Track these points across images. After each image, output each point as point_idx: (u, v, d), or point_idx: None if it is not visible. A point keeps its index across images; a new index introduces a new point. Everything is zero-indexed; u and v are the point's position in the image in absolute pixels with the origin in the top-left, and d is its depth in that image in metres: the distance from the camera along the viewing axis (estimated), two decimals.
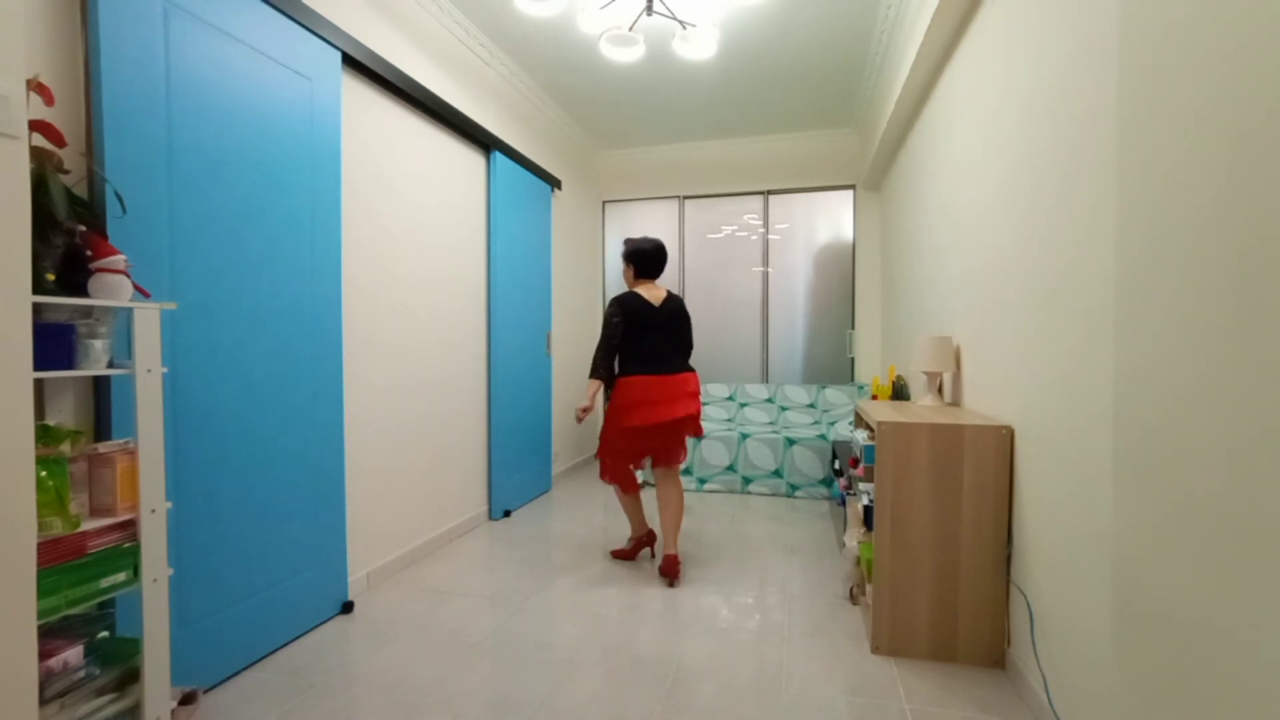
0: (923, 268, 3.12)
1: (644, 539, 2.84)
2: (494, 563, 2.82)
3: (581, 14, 2.57)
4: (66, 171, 1.34)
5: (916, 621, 1.94)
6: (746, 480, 4.17)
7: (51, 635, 1.26)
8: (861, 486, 2.32)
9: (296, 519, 2.10)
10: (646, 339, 2.69)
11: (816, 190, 4.88)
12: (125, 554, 1.33)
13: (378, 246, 2.59)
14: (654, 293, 2.75)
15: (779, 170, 4.89)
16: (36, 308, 1.17)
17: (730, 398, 4.85)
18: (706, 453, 4.23)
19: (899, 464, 1.93)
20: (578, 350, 4.77)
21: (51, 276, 1.26)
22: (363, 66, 2.43)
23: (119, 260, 1.34)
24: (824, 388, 4.72)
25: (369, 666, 1.91)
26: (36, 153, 1.24)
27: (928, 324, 2.98)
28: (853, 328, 4.83)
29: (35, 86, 1.25)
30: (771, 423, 4.64)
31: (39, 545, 1.14)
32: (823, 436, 4.17)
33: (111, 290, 1.32)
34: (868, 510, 2.15)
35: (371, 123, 2.56)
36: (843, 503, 3.02)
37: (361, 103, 2.49)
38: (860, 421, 2.62)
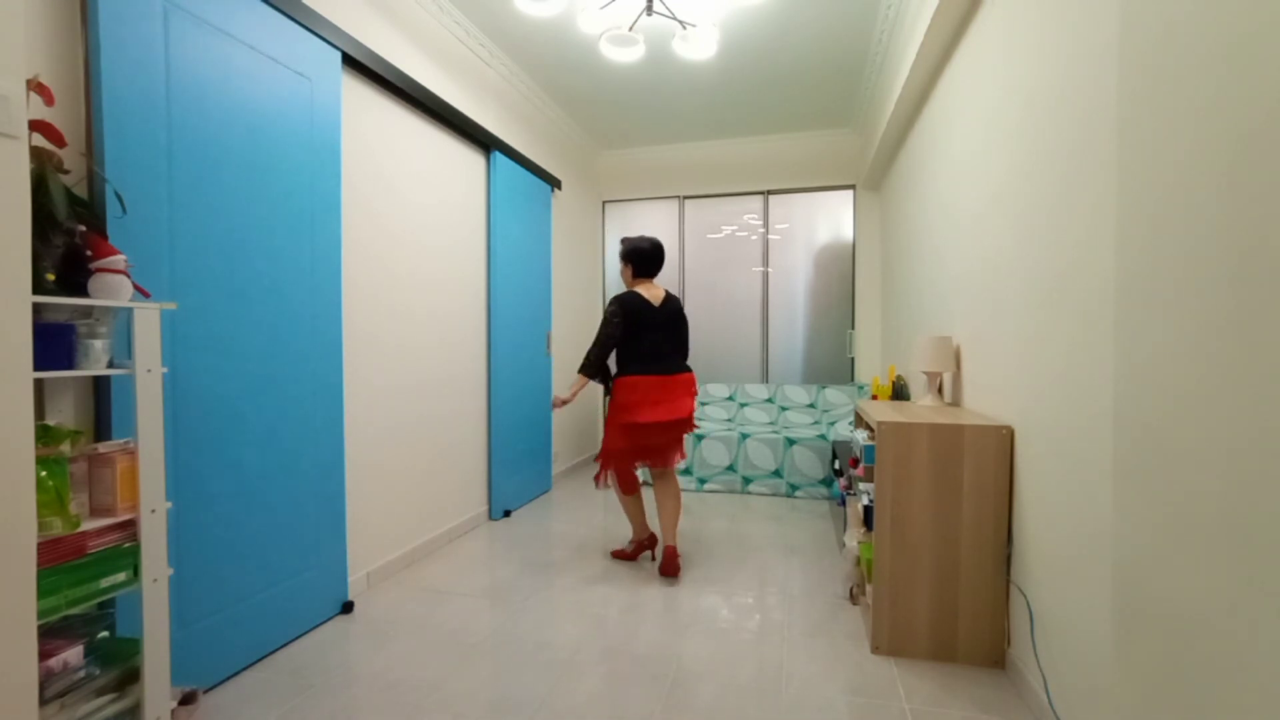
0: (923, 268, 3.12)
1: (645, 542, 2.84)
2: (494, 563, 2.82)
3: (581, 14, 2.57)
4: (66, 171, 1.34)
5: (916, 621, 1.94)
6: (746, 480, 4.17)
7: (51, 635, 1.26)
8: (861, 486, 2.32)
9: (296, 519, 2.10)
10: (647, 339, 2.70)
11: (816, 190, 4.88)
12: (125, 554, 1.33)
13: (378, 246, 2.59)
14: (653, 292, 2.77)
15: (779, 170, 4.89)
16: (36, 308, 1.17)
17: (730, 398, 4.85)
18: (706, 453, 4.23)
19: (899, 464, 1.93)
20: (578, 350, 4.76)
21: (51, 276, 1.26)
22: (363, 66, 2.43)
23: (119, 260, 1.34)
24: (824, 388, 4.72)
25: (369, 666, 1.91)
26: (36, 153, 1.24)
27: (928, 324, 2.98)
28: (853, 328, 4.83)
29: (35, 86, 1.25)
30: (771, 423, 4.64)
31: (39, 545, 1.14)
32: (823, 436, 4.17)
33: (111, 290, 1.32)
34: (868, 510, 2.15)
35: (371, 123, 2.56)
36: (843, 503, 3.02)
37: (361, 103, 2.49)
38: (860, 421, 2.62)
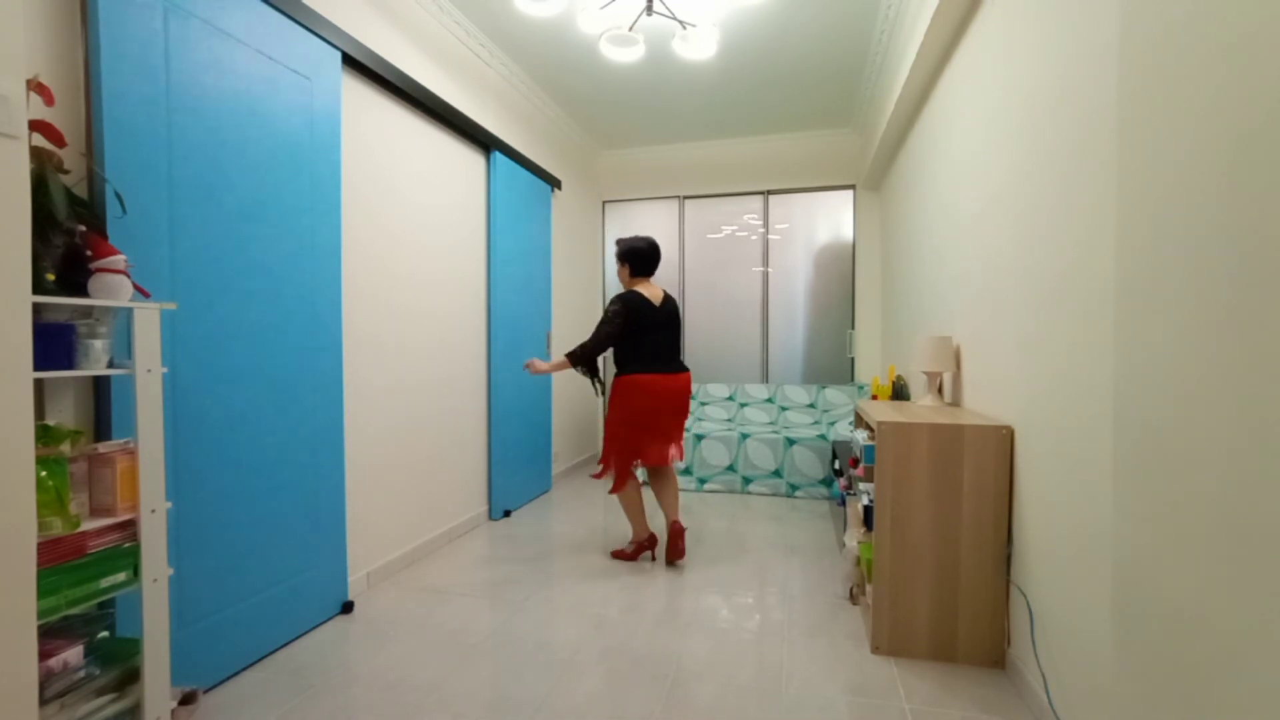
0: (923, 268, 3.12)
1: (645, 543, 2.84)
2: (494, 563, 2.82)
3: (581, 14, 2.57)
4: (66, 171, 1.34)
5: (916, 621, 1.94)
6: (746, 480, 4.17)
7: (51, 635, 1.26)
8: (861, 486, 2.32)
9: (296, 519, 2.10)
10: (648, 338, 2.74)
11: (816, 190, 4.88)
12: (125, 554, 1.33)
13: (378, 246, 2.59)
14: (653, 291, 2.82)
15: (779, 170, 4.89)
16: (36, 308, 1.17)
17: (730, 398, 4.85)
18: (706, 453, 4.23)
19: (899, 464, 1.93)
20: None
21: (51, 276, 1.26)
22: (363, 66, 2.43)
23: (119, 260, 1.34)
24: (824, 388, 4.72)
25: (369, 666, 1.91)
26: (36, 153, 1.24)
27: (928, 324, 2.98)
28: (853, 328, 4.83)
29: (35, 86, 1.25)
30: (771, 423, 4.64)
31: (39, 545, 1.14)
32: (823, 436, 4.17)
33: (111, 290, 1.32)
34: (868, 510, 2.15)
35: (371, 123, 2.56)
36: (843, 503, 3.02)
37: (361, 103, 2.49)
38: (860, 421, 2.62)
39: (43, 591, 1.16)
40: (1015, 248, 1.82)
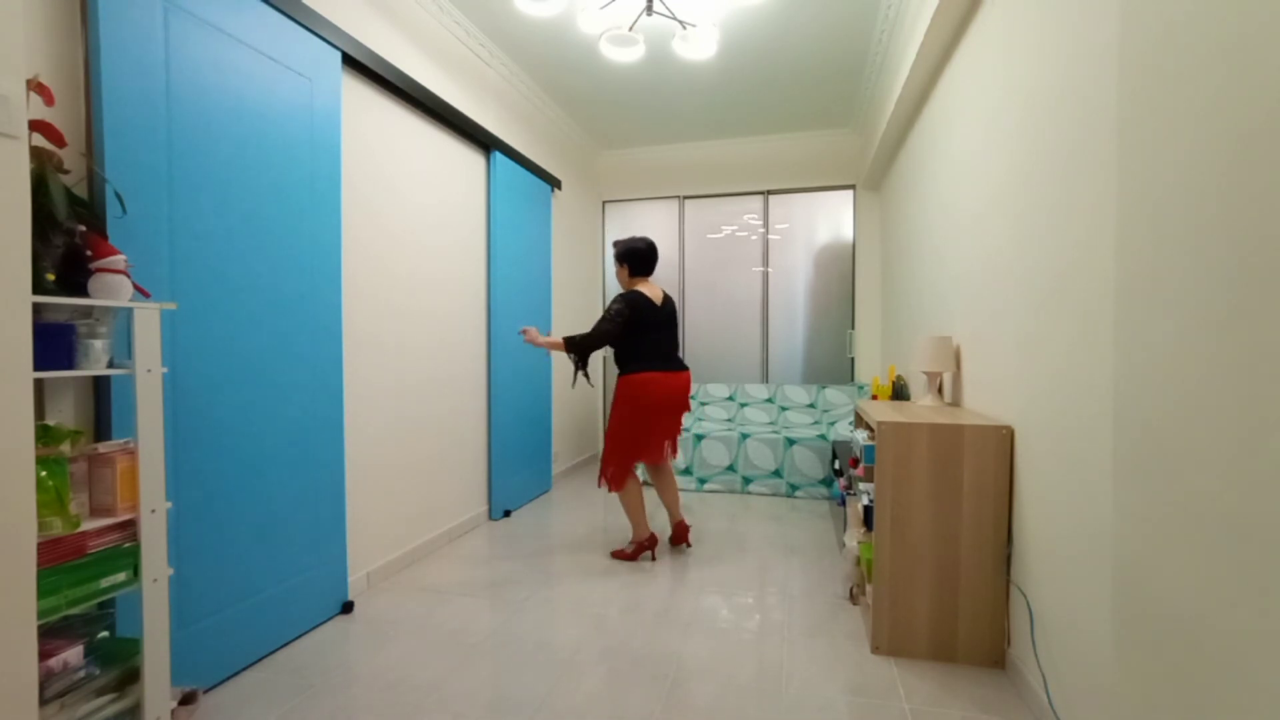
0: (923, 268, 3.12)
1: (645, 543, 2.84)
2: (494, 563, 2.82)
3: (581, 14, 2.57)
4: (66, 171, 1.34)
5: (916, 621, 1.94)
6: (746, 480, 4.17)
7: (51, 635, 1.26)
8: (861, 486, 2.32)
9: (296, 519, 2.10)
10: (650, 337, 2.78)
11: (816, 190, 4.88)
12: (125, 554, 1.33)
13: (378, 246, 2.59)
14: (653, 291, 2.86)
15: (779, 170, 4.90)
16: (36, 308, 1.17)
17: (730, 398, 4.85)
18: (706, 453, 4.23)
19: (899, 464, 1.93)
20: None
21: (51, 276, 1.26)
22: (363, 66, 2.43)
23: (119, 260, 1.34)
24: (824, 388, 4.72)
25: (369, 666, 1.91)
26: (36, 153, 1.24)
27: (928, 324, 2.98)
28: (853, 328, 4.83)
29: (35, 86, 1.25)
30: (771, 423, 4.64)
31: (39, 545, 1.14)
32: (823, 436, 4.17)
33: (111, 290, 1.32)
34: (868, 510, 2.15)
35: (371, 123, 2.56)
36: (843, 503, 3.02)
37: (361, 103, 2.49)
38: (860, 421, 2.62)
39: (43, 591, 1.16)
40: (1015, 248, 1.82)
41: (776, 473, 4.11)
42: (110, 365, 1.35)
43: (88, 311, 1.33)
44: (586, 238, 5.08)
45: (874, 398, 3.28)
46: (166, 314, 1.62)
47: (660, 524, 3.21)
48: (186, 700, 1.51)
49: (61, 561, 1.21)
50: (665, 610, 2.32)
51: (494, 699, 1.74)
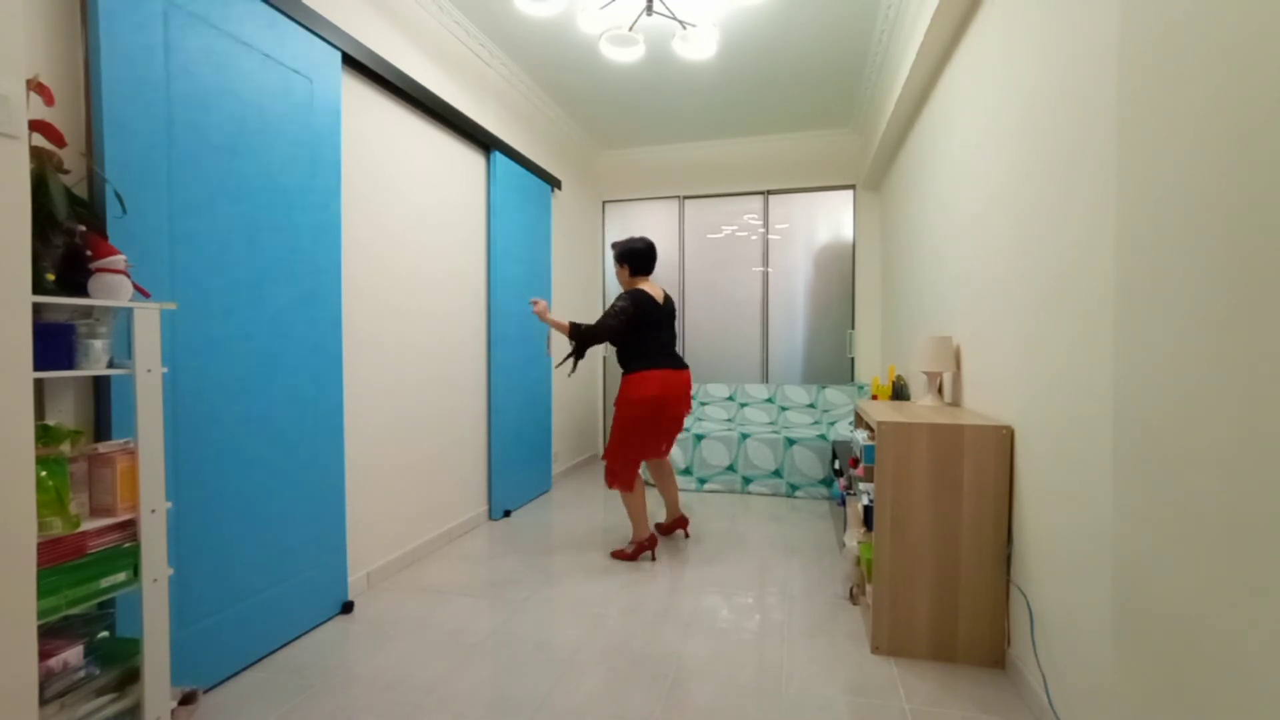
0: (923, 268, 3.12)
1: (645, 543, 2.85)
2: (494, 563, 2.82)
3: (581, 14, 2.57)
4: (66, 171, 1.34)
5: (916, 621, 1.94)
6: (746, 480, 4.17)
7: (51, 635, 1.26)
8: (861, 486, 2.32)
9: (297, 519, 2.10)
10: (654, 335, 2.82)
11: (816, 190, 4.88)
12: (125, 554, 1.33)
13: (378, 246, 2.59)
14: (655, 290, 2.89)
15: (779, 170, 4.89)
16: (36, 308, 1.17)
17: (730, 398, 4.85)
18: (706, 453, 4.23)
19: (899, 464, 1.93)
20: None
21: (51, 276, 1.26)
22: (363, 66, 2.43)
23: (119, 260, 1.34)
24: (824, 388, 4.72)
25: (369, 666, 1.91)
26: (36, 153, 1.24)
27: (928, 324, 2.98)
28: (853, 328, 4.83)
29: (35, 86, 1.25)
30: (771, 423, 4.64)
31: (39, 545, 1.14)
32: (823, 436, 4.17)
33: (111, 290, 1.32)
34: (868, 510, 2.15)
35: (371, 123, 2.56)
36: (843, 503, 3.02)
37: (361, 103, 2.49)
38: (860, 421, 2.62)
39: (43, 591, 1.16)
40: (1015, 248, 1.82)
41: (776, 473, 4.11)
42: (110, 365, 1.35)
43: (88, 311, 1.33)
44: (586, 238, 5.08)
45: (874, 398, 3.28)
46: (166, 314, 1.62)
47: (659, 522, 3.21)
48: (186, 700, 1.51)
49: (61, 561, 1.21)
50: (665, 610, 2.32)
51: (494, 699, 1.74)
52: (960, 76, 2.41)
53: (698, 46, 2.75)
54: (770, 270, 4.99)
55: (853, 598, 2.40)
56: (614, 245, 2.93)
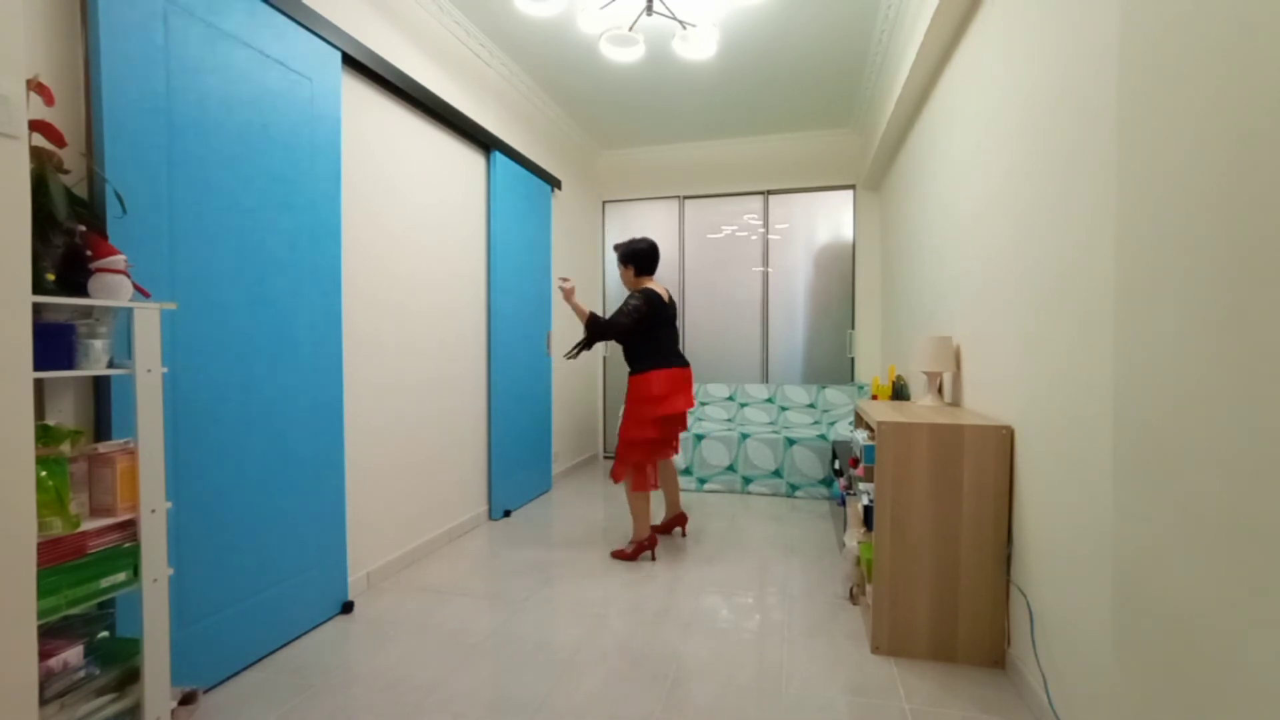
0: (923, 268, 3.12)
1: (645, 543, 2.85)
2: (494, 563, 2.82)
3: (581, 14, 2.57)
4: (66, 171, 1.34)
5: (916, 621, 1.94)
6: (746, 480, 4.17)
7: (51, 635, 1.26)
8: (861, 486, 2.32)
9: (296, 519, 2.10)
10: (661, 334, 2.87)
11: (816, 190, 4.88)
12: (125, 554, 1.33)
13: (378, 246, 2.59)
14: (660, 289, 2.92)
15: (779, 170, 4.89)
16: (36, 308, 1.17)
17: (730, 398, 4.85)
18: (706, 453, 4.23)
19: (899, 464, 1.93)
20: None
21: (51, 276, 1.26)
22: (363, 66, 2.43)
23: (119, 260, 1.34)
24: (824, 388, 4.72)
25: (369, 666, 1.91)
26: (36, 153, 1.24)
27: (928, 324, 2.98)
28: (853, 328, 4.83)
29: (35, 86, 1.25)
30: (771, 423, 4.64)
31: (39, 545, 1.14)
32: (823, 436, 4.17)
33: (111, 290, 1.32)
34: (868, 510, 2.15)
35: (371, 123, 2.56)
36: (843, 503, 3.02)
37: (361, 103, 2.49)
38: (860, 421, 2.62)
39: (43, 591, 1.16)
40: (1015, 248, 1.82)
41: (776, 473, 4.11)
42: (110, 365, 1.35)
43: (88, 311, 1.33)
44: (586, 238, 5.08)
45: (874, 398, 3.28)
46: (166, 314, 1.62)
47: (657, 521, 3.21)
48: (186, 700, 1.51)
49: (61, 561, 1.21)
50: (665, 610, 2.32)
51: (494, 699, 1.74)
52: (960, 77, 2.41)
53: (698, 46, 2.75)
54: (770, 270, 4.99)
55: (853, 598, 2.40)
56: (617, 247, 2.97)
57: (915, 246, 3.32)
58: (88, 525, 1.26)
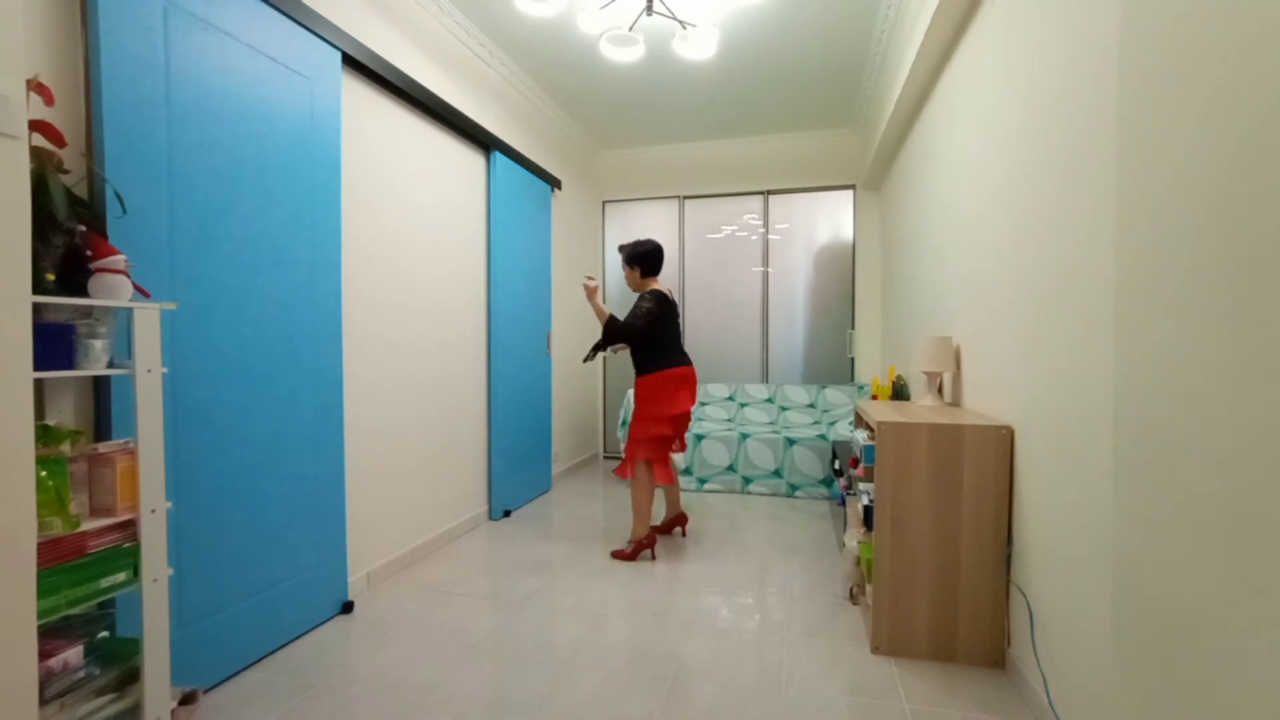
0: (923, 268, 3.12)
1: (644, 542, 2.85)
2: (494, 563, 2.82)
3: (581, 14, 2.57)
4: (66, 171, 1.34)
5: (916, 621, 1.94)
6: (746, 480, 4.17)
7: (51, 635, 1.26)
8: (861, 486, 2.32)
9: (296, 519, 2.10)
10: (669, 333, 2.92)
11: (816, 190, 4.88)
12: (125, 554, 1.33)
13: (378, 246, 2.59)
14: (664, 290, 2.96)
15: (779, 170, 4.89)
16: (36, 308, 1.17)
17: (730, 398, 4.85)
18: (706, 453, 4.23)
19: (899, 464, 1.93)
20: (578, 350, 4.77)
21: (51, 276, 1.26)
22: (363, 66, 2.43)
23: (119, 260, 1.34)
24: (824, 388, 4.72)
25: (369, 666, 1.91)
26: (36, 153, 1.24)
27: (928, 324, 2.98)
28: (853, 328, 4.83)
29: (35, 86, 1.25)
30: (771, 423, 4.64)
31: (39, 545, 1.14)
32: (823, 436, 4.17)
33: (111, 290, 1.32)
34: (868, 510, 2.15)
35: (371, 123, 2.56)
36: (843, 503, 3.02)
37: (361, 103, 2.49)
38: (860, 421, 2.62)
39: (43, 591, 1.16)
40: (1015, 248, 1.82)
41: (776, 473, 4.11)
42: (110, 365, 1.35)
43: (88, 311, 1.33)
44: (586, 238, 5.08)
45: (874, 398, 3.28)
46: (166, 314, 1.62)
47: (657, 519, 3.21)
48: (186, 700, 1.51)
49: (61, 561, 1.21)
50: (665, 610, 2.32)
51: (494, 699, 1.74)
52: (960, 77, 2.41)
53: (698, 46, 2.75)
54: (770, 270, 4.99)
55: (853, 598, 2.40)
56: (621, 248, 3.00)
57: (915, 246, 3.32)
58: (88, 525, 1.26)
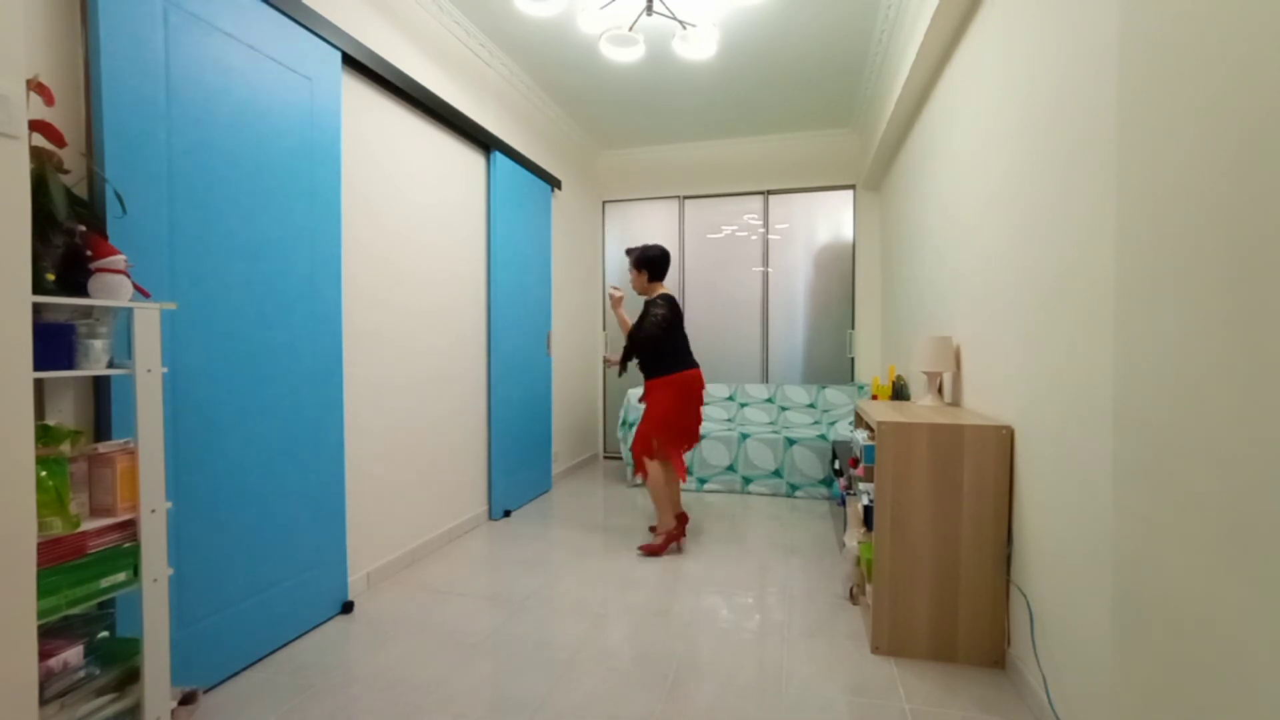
0: (923, 268, 3.12)
1: (674, 533, 2.89)
2: (494, 563, 2.82)
3: (581, 14, 2.57)
4: (66, 171, 1.34)
5: (916, 621, 1.94)
6: (746, 480, 4.17)
7: (51, 635, 1.26)
8: (861, 486, 2.32)
9: (296, 519, 2.10)
10: (677, 336, 2.97)
11: (816, 190, 4.88)
12: (125, 554, 1.33)
13: (378, 246, 2.59)
14: (670, 294, 3.01)
15: (779, 170, 4.89)
16: (36, 308, 1.17)
17: (730, 398, 4.85)
18: (706, 453, 4.23)
19: (899, 464, 1.93)
20: (578, 350, 4.78)
21: (51, 276, 1.26)
22: (363, 66, 2.43)
23: (119, 260, 1.34)
24: (824, 388, 4.72)
25: (369, 666, 1.91)
26: (36, 153, 1.24)
27: (928, 324, 2.98)
28: (853, 328, 4.83)
29: (35, 86, 1.25)
30: (771, 423, 4.64)
31: (39, 545, 1.14)
32: (823, 436, 4.17)
33: (111, 290, 1.32)
34: (868, 510, 2.15)
35: (371, 123, 2.56)
36: (843, 503, 3.02)
37: (361, 103, 2.49)
38: (860, 421, 2.62)
39: (43, 591, 1.16)
40: (1015, 248, 1.82)
41: (776, 473, 4.11)
42: (110, 365, 1.35)
43: (88, 311, 1.33)
44: (586, 238, 5.08)
45: (874, 398, 3.28)
46: (166, 314, 1.62)
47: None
48: (186, 700, 1.51)
49: (61, 561, 1.21)
50: (665, 610, 2.32)
51: (494, 699, 1.74)
52: (960, 76, 2.41)
53: (698, 46, 2.75)
54: (770, 270, 4.99)
55: (853, 598, 2.40)
56: (629, 251, 3.04)
57: (915, 246, 3.32)
58: (88, 525, 1.26)
